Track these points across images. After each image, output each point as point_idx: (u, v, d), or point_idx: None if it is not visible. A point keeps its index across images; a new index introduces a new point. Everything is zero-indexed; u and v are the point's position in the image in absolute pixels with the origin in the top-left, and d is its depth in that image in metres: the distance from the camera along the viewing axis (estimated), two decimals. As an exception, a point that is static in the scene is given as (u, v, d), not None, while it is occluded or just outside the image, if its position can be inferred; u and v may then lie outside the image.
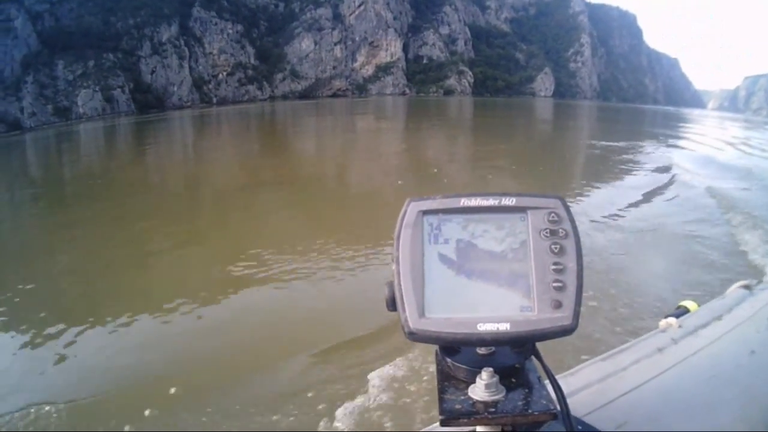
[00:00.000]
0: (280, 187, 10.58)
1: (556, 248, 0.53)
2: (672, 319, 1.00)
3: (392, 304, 0.53)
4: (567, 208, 0.54)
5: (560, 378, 0.65)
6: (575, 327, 0.51)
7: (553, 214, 0.54)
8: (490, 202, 0.54)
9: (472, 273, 0.53)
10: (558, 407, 0.55)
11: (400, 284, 0.52)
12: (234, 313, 5.04)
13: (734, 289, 1.14)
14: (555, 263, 0.52)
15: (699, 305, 1.07)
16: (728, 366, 0.87)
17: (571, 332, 0.51)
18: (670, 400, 0.78)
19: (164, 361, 4.12)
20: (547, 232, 0.53)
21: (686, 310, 1.06)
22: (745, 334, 0.96)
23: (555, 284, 0.51)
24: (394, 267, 0.53)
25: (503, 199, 0.54)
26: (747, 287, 1.13)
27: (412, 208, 0.54)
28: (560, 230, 0.53)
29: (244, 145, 21.76)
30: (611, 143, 18.06)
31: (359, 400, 3.26)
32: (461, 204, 0.54)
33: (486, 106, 55.47)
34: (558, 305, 0.51)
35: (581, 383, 0.79)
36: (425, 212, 0.54)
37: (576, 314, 0.51)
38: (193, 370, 3.89)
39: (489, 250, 0.54)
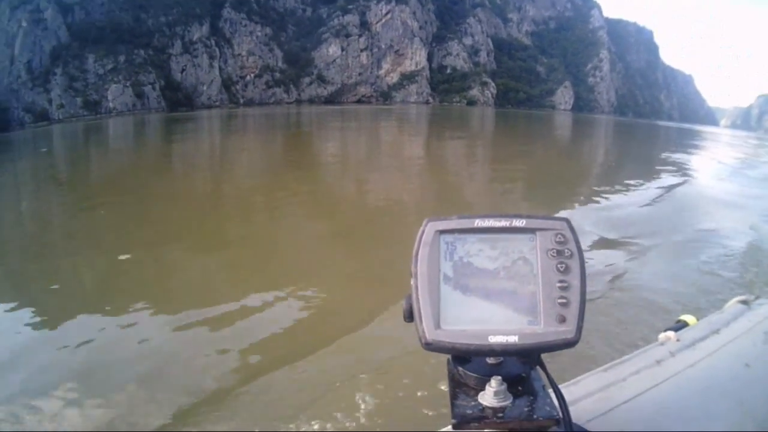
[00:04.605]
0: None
1: (561, 267, 0.57)
2: (671, 333, 1.03)
3: (409, 316, 0.58)
4: (573, 230, 0.59)
5: (563, 387, 0.69)
6: (578, 340, 0.56)
7: (559, 236, 0.58)
8: (502, 223, 0.59)
9: (484, 288, 0.58)
10: (560, 414, 0.59)
11: (417, 298, 0.57)
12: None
13: (732, 304, 1.18)
14: (560, 281, 0.57)
15: (698, 320, 1.12)
16: (724, 379, 0.90)
17: (573, 345, 0.56)
18: (667, 409, 0.82)
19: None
20: (553, 252, 0.58)
21: (685, 324, 1.10)
22: (741, 348, 0.99)
23: (560, 300, 0.56)
24: (412, 282, 0.58)
25: (514, 221, 0.59)
26: (745, 302, 1.17)
27: (429, 228, 0.59)
28: (566, 250, 0.58)
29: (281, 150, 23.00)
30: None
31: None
32: (475, 225, 0.59)
33: (514, 119, 55.40)
34: (562, 320, 0.56)
35: (583, 392, 0.83)
36: (442, 231, 0.59)
37: (579, 328, 0.56)
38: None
39: (499, 267, 0.58)
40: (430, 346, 0.56)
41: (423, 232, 0.59)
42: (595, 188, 12.78)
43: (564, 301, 0.56)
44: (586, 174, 16.19)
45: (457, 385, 0.62)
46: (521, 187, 13.17)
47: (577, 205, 10.59)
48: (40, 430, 3.21)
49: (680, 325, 1.10)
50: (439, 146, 23.22)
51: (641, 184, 12.87)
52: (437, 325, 0.56)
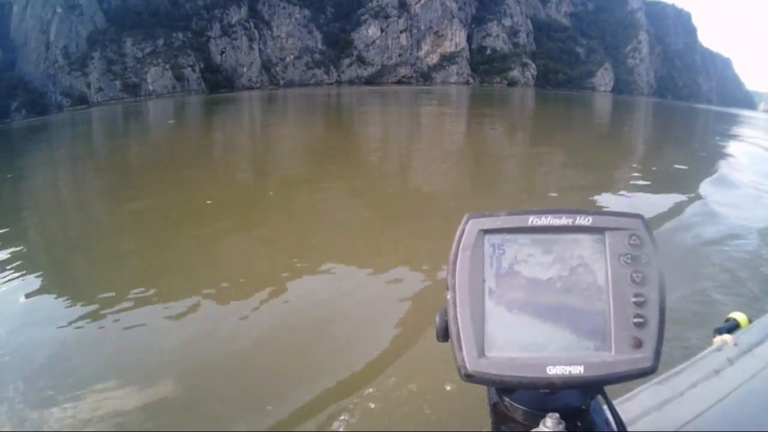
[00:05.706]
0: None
1: (637, 277, 0.45)
2: (727, 336, 0.95)
3: (444, 335, 0.47)
4: (649, 229, 0.47)
5: (617, 404, 0.55)
6: (656, 368, 0.44)
7: (634, 237, 0.46)
8: (563, 221, 0.46)
9: (541, 305, 0.46)
10: None
11: (456, 317, 0.45)
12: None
13: None
14: (636, 294, 0.45)
15: (748, 317, 1.03)
16: None
17: (650, 374, 0.45)
18: (733, 430, 0.72)
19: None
20: (627, 258, 0.46)
21: (736, 323, 1.02)
22: None
23: (636, 320, 0.45)
24: (449, 296, 0.46)
25: (578, 218, 0.47)
26: None
27: (471, 227, 0.47)
28: (642, 255, 0.46)
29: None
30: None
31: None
32: (529, 223, 0.47)
33: (561, 103, 53.64)
34: (638, 344, 0.44)
35: (639, 410, 0.74)
36: (486, 231, 0.47)
37: (657, 354, 0.44)
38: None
39: (560, 277, 0.46)
40: (472, 379, 0.44)
41: (463, 231, 0.47)
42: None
43: (641, 320, 0.44)
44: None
45: (501, 420, 0.50)
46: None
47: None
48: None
49: (732, 325, 1.03)
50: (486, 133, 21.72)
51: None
52: (481, 353, 0.44)
